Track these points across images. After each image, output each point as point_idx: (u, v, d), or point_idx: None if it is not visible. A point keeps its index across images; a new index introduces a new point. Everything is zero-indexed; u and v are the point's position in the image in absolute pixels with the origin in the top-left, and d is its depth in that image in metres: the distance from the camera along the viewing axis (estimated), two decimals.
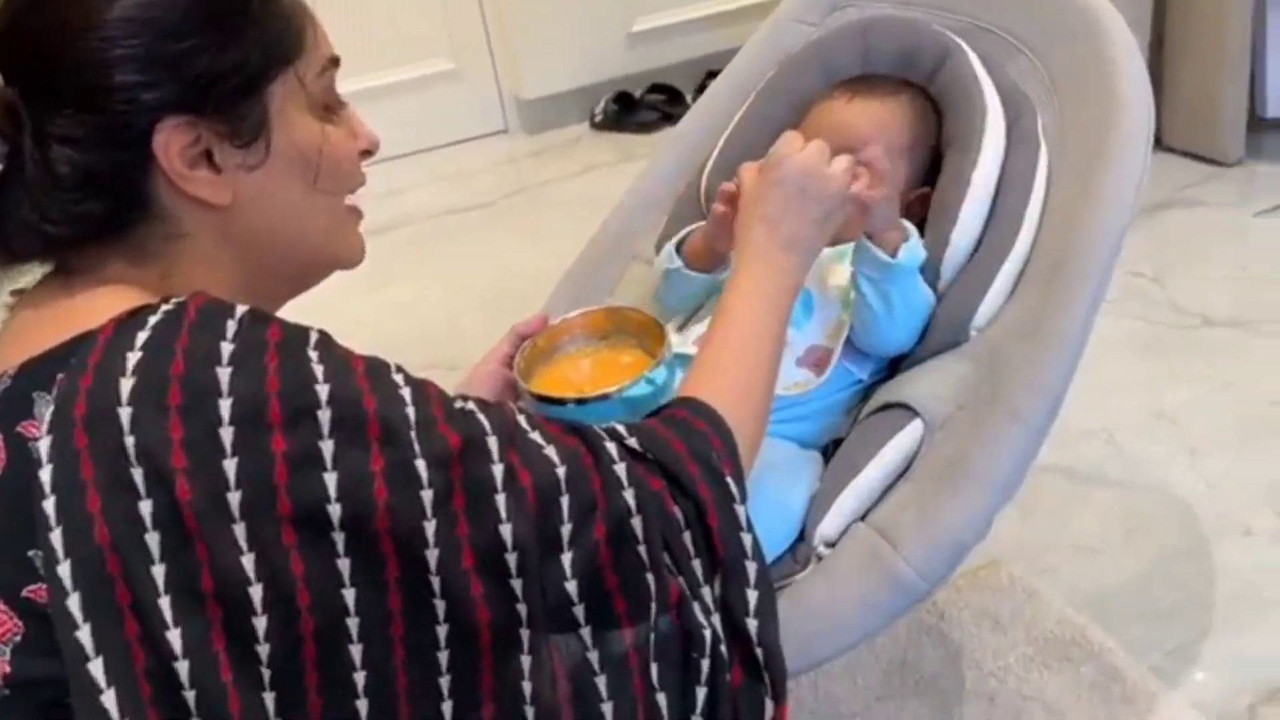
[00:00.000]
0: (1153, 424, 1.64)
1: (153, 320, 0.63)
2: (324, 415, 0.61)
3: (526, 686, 0.64)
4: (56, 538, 0.58)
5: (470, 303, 2.27)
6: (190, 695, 0.58)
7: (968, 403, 0.96)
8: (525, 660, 0.64)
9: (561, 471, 0.66)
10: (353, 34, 2.82)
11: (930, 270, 1.03)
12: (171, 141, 0.68)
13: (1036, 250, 1.02)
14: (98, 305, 0.66)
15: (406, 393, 0.65)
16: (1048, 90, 1.12)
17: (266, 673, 0.59)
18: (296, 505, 0.59)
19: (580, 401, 0.86)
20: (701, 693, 0.68)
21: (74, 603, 0.58)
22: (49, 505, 0.58)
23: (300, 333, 0.65)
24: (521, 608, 0.63)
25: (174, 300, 0.64)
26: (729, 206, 0.97)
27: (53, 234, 0.67)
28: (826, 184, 0.90)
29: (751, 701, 0.70)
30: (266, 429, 0.60)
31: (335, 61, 0.77)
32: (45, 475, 0.58)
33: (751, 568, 0.71)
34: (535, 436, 0.68)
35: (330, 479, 0.60)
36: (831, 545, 0.94)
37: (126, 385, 0.59)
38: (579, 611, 0.65)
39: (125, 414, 0.59)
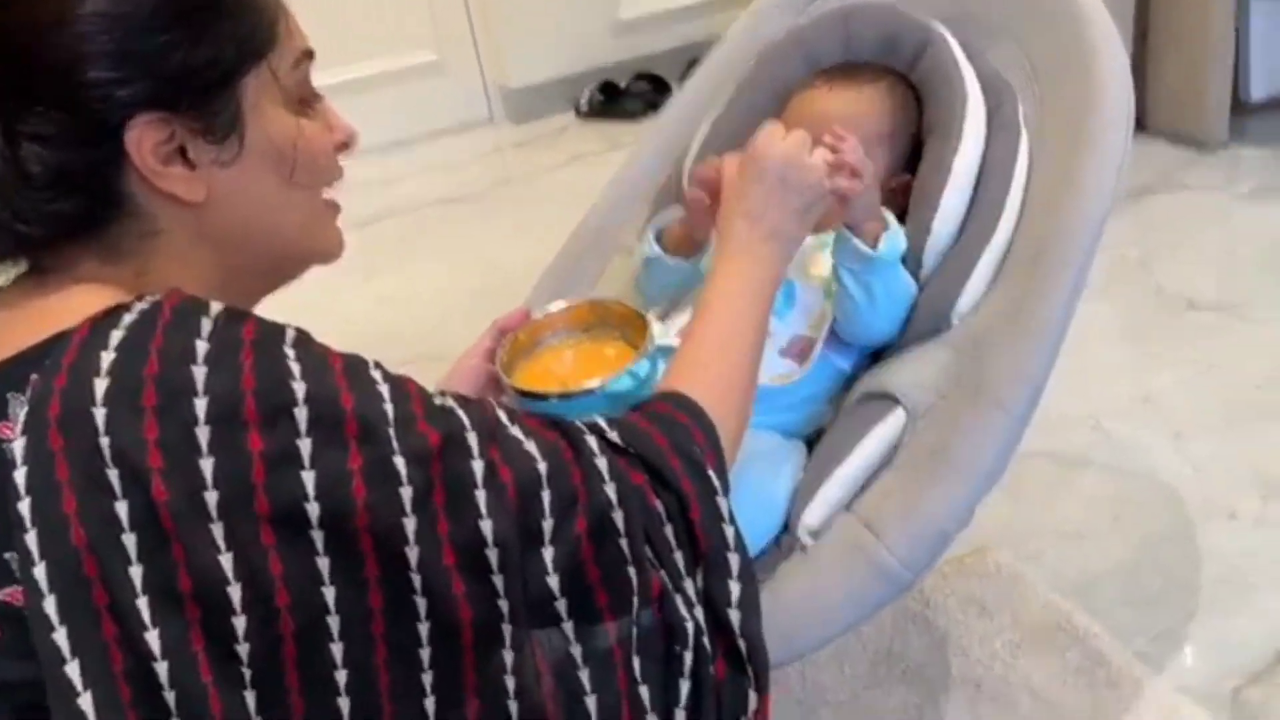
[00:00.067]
0: (1138, 408, 1.64)
1: (127, 319, 0.62)
2: (301, 413, 0.60)
3: (510, 682, 0.64)
4: (32, 539, 0.57)
5: (457, 294, 2.26)
6: (170, 696, 0.58)
7: (950, 391, 0.96)
8: (508, 656, 0.64)
9: (542, 467, 0.66)
10: (335, 25, 2.82)
11: (912, 258, 1.04)
12: (144, 138, 0.67)
13: (1018, 237, 1.02)
14: (72, 304, 0.65)
15: (385, 390, 0.64)
16: (1028, 77, 1.12)
17: (247, 672, 0.59)
18: (274, 504, 0.59)
19: (563, 396, 0.86)
20: (685, 685, 0.68)
21: (50, 605, 0.57)
22: (24, 507, 0.58)
23: (276, 330, 0.64)
24: (503, 604, 0.63)
25: (149, 299, 0.64)
26: (703, 192, 0.97)
27: (25, 233, 0.67)
28: (807, 175, 0.89)
29: (735, 693, 0.70)
30: (243, 428, 0.59)
31: (309, 54, 0.76)
32: (20, 477, 0.58)
33: (734, 560, 0.71)
34: (515, 432, 0.68)
35: (308, 477, 0.60)
36: (815, 535, 0.94)
37: (101, 386, 0.59)
38: (561, 606, 0.65)
39: (100, 415, 0.58)
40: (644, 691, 0.66)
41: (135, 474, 0.58)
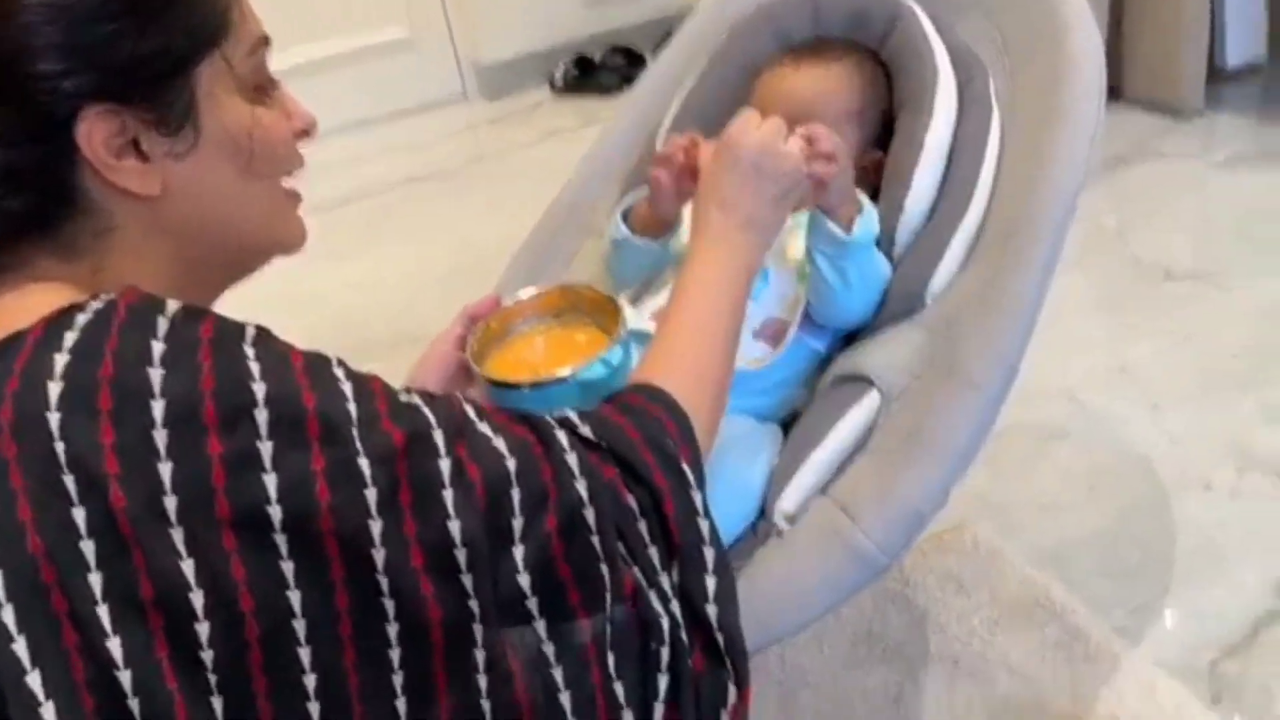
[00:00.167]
0: (1115, 380, 1.64)
1: (81, 320, 0.61)
2: (261, 415, 0.59)
3: (482, 681, 0.63)
4: None
5: (430, 275, 2.24)
6: (134, 704, 0.57)
7: (924, 372, 0.95)
8: (479, 655, 0.63)
9: (511, 464, 0.65)
10: (305, 2, 2.78)
11: (884, 237, 1.03)
12: (95, 131, 0.65)
13: (990, 215, 1.02)
14: (28, 304, 0.63)
15: (348, 388, 0.63)
16: (999, 50, 1.11)
17: (213, 678, 0.58)
18: (236, 508, 0.58)
19: (535, 385, 0.85)
20: (663, 680, 0.67)
21: (8, 615, 0.56)
22: None
23: (235, 329, 0.63)
24: (473, 603, 0.62)
25: (104, 298, 0.62)
26: (665, 171, 0.96)
27: None
28: (782, 162, 0.89)
29: (714, 686, 0.69)
30: (202, 431, 0.58)
31: (265, 40, 0.74)
32: None
33: (709, 554, 0.70)
34: (484, 428, 0.67)
35: (270, 480, 0.58)
36: (792, 520, 0.93)
37: (55, 390, 0.57)
38: (532, 605, 0.64)
39: (54, 420, 0.57)
40: (619, 688, 0.66)
41: (92, 480, 0.56)
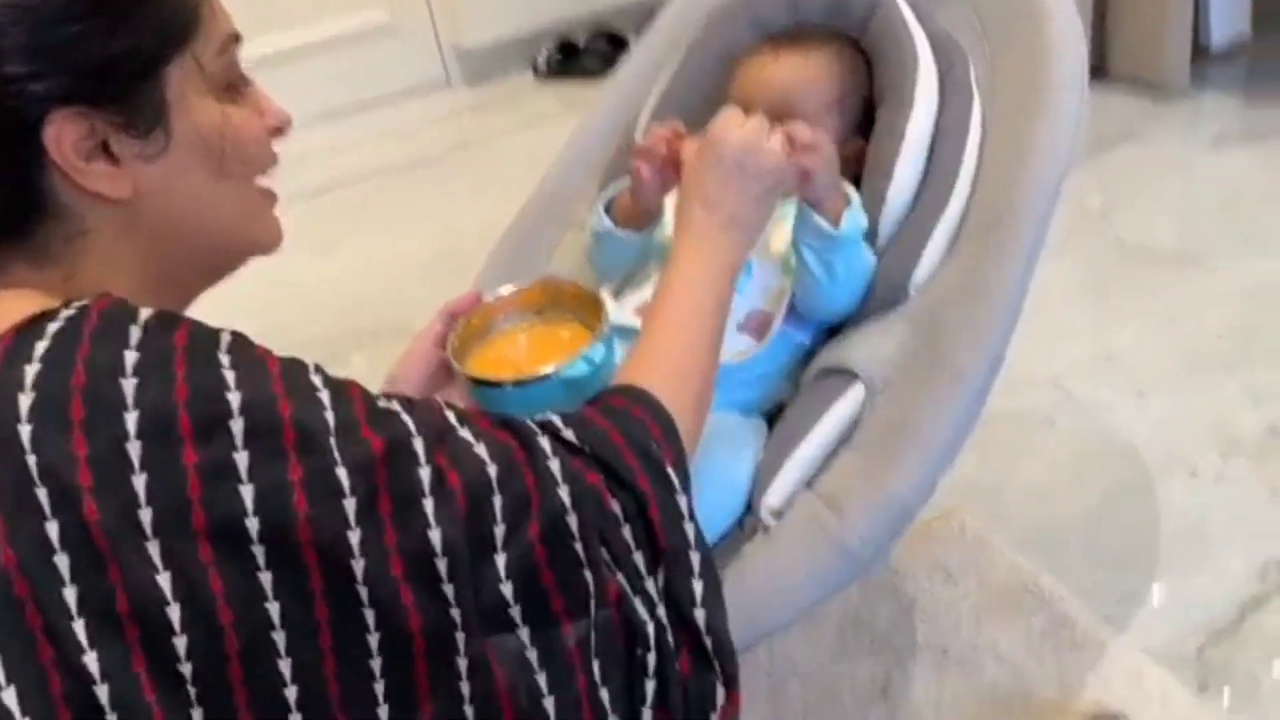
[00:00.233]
0: (1100, 366, 1.64)
1: (52, 329, 0.60)
2: (237, 424, 0.58)
3: (465, 688, 0.63)
4: None
5: (415, 263, 2.23)
6: (113, 718, 0.56)
7: (908, 364, 0.95)
8: (462, 662, 0.62)
9: (493, 470, 0.64)
10: None
11: (868, 230, 1.02)
12: (64, 134, 0.64)
13: (972, 205, 1.01)
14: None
15: (325, 396, 0.62)
16: (978, 36, 1.10)
17: (193, 691, 0.57)
18: (212, 520, 0.57)
19: (518, 383, 0.84)
20: (650, 685, 0.67)
21: None
22: None
23: (210, 336, 0.62)
24: (455, 612, 0.62)
25: (76, 305, 0.61)
26: (645, 163, 0.96)
27: None
28: (765, 160, 0.88)
29: (702, 689, 0.69)
30: (176, 441, 0.57)
31: (236, 38, 0.73)
32: None
33: (695, 558, 0.70)
34: (465, 434, 0.66)
35: (246, 491, 0.57)
36: (778, 515, 0.93)
37: (25, 401, 0.56)
38: (515, 613, 0.63)
39: (25, 432, 0.56)
40: (604, 694, 0.65)
41: (65, 492, 0.55)
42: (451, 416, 0.67)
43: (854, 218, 0.98)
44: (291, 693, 0.59)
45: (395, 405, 0.65)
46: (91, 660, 0.56)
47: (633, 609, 0.67)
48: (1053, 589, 1.22)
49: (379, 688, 0.61)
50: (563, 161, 1.30)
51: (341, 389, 0.64)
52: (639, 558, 0.68)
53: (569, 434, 0.69)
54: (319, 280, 2.21)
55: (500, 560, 0.63)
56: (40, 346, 0.58)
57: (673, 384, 0.77)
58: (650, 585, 0.68)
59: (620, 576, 0.67)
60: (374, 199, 2.60)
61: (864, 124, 1.11)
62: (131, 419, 0.57)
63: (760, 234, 0.90)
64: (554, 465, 0.66)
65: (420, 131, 2.94)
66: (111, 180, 0.66)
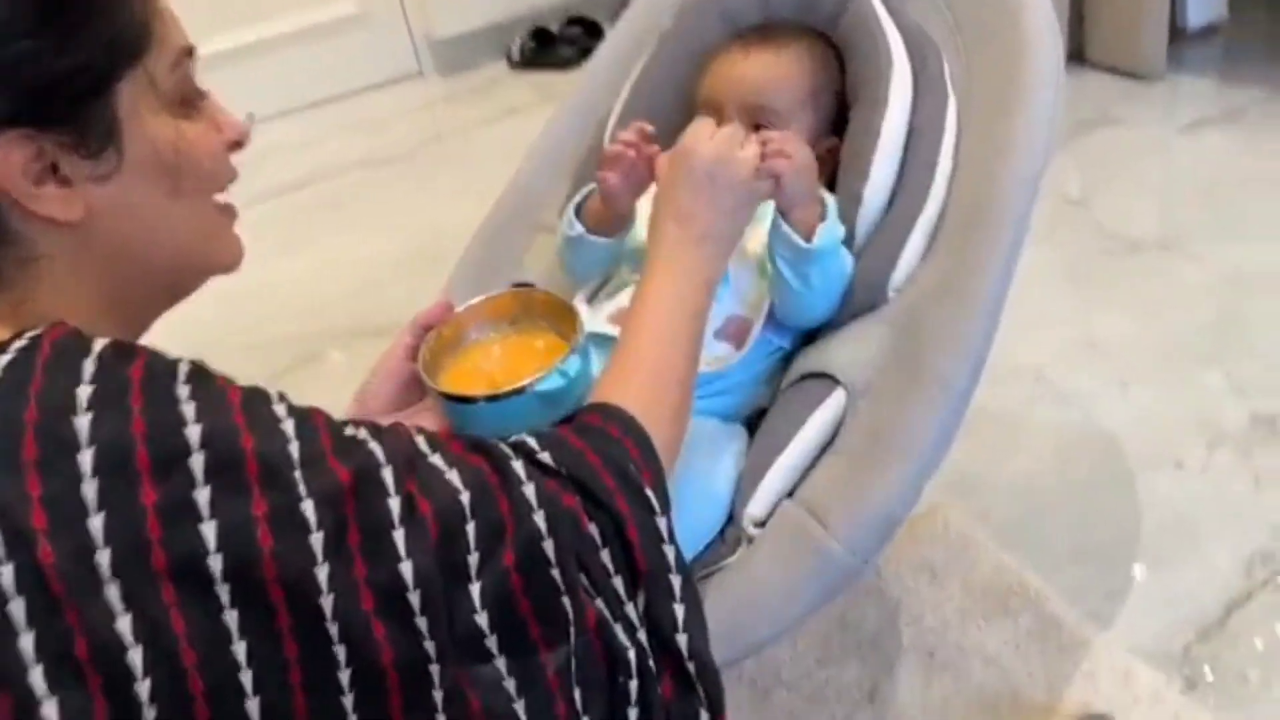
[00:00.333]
0: (1083, 356, 1.63)
1: (3, 361, 0.57)
2: (197, 460, 0.56)
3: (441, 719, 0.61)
4: None
5: (392, 260, 2.20)
6: None
7: (889, 368, 0.93)
8: (438, 695, 0.61)
9: (465, 497, 0.62)
10: None
11: (845, 232, 1.00)
12: (10, 158, 0.61)
13: (950, 204, 0.99)
14: None
15: (289, 426, 0.60)
16: (951, 30, 1.08)
17: None
18: (173, 559, 0.55)
19: (492, 398, 0.82)
20: (633, 712, 0.65)
21: None
22: None
23: (168, 367, 0.59)
24: (429, 644, 0.60)
25: (28, 335, 0.59)
26: (613, 171, 0.95)
27: None
28: (738, 170, 0.86)
29: (685, 714, 0.67)
30: (134, 479, 0.55)
31: (189, 52, 0.70)
32: None
33: (676, 581, 0.68)
34: (436, 460, 0.64)
35: (208, 529, 0.55)
36: (761, 525, 0.91)
37: None
38: (492, 643, 0.62)
39: None
40: None
41: (18, 535, 0.53)
42: (422, 442, 0.65)
43: (830, 230, 0.96)
44: None
45: (363, 433, 0.63)
46: (51, 708, 0.53)
47: (613, 635, 0.65)
48: (1039, 588, 1.21)
49: None
50: (531, 162, 1.28)
51: (306, 418, 0.62)
52: (618, 582, 0.66)
53: (544, 455, 0.67)
54: (293, 279, 2.18)
55: (475, 590, 0.61)
56: None
57: (649, 400, 0.75)
58: (631, 610, 0.67)
59: (599, 602, 0.65)
60: (347, 194, 2.56)
61: (838, 121, 1.09)
62: (87, 457, 0.55)
63: (735, 246, 0.88)
64: (529, 490, 0.64)
65: (393, 124, 2.90)
66: (63, 203, 0.64)
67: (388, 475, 0.61)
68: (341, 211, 2.49)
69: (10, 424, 0.54)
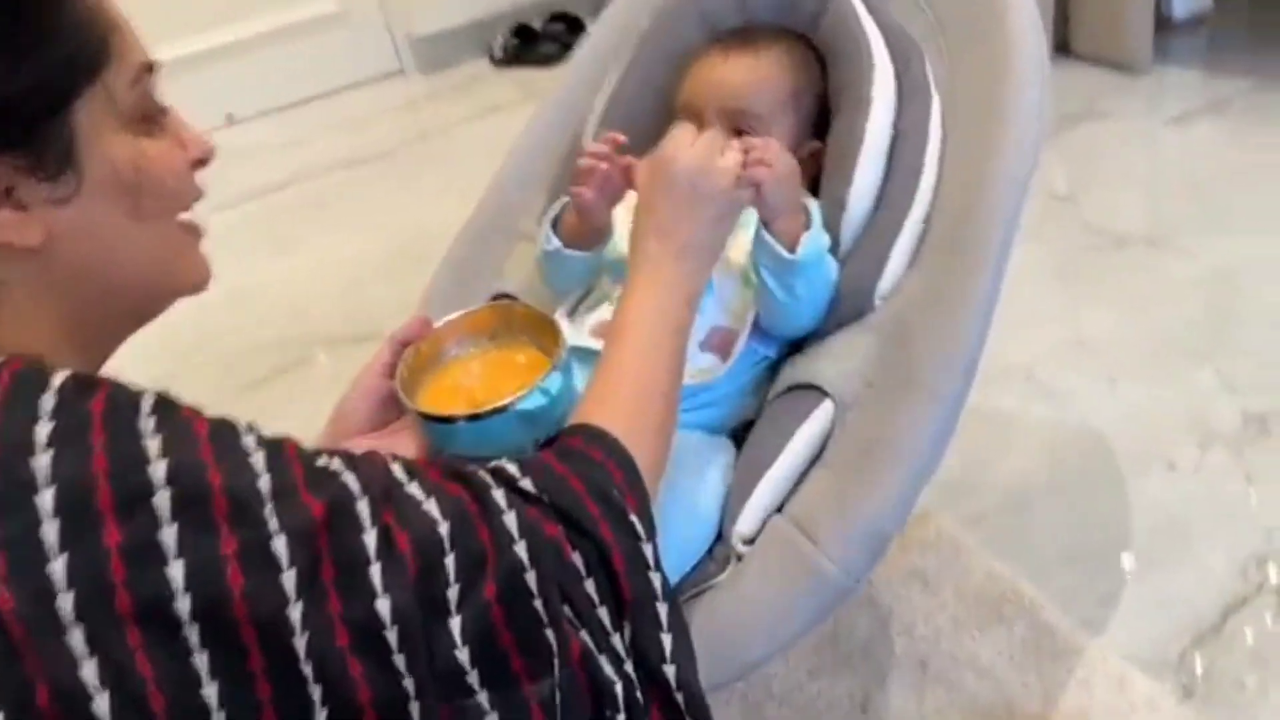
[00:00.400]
0: (1072, 355, 1.61)
1: None
2: (162, 497, 0.54)
3: None
4: None
5: (376, 263, 2.17)
6: None
7: (877, 378, 0.91)
8: None
9: (444, 529, 0.60)
10: None
11: (830, 238, 0.98)
12: None
13: (936, 210, 0.97)
14: None
15: (259, 459, 0.58)
16: (932, 29, 1.06)
17: None
18: (138, 602, 0.52)
19: (472, 418, 0.79)
20: None
21: None
22: None
23: (131, 400, 0.57)
24: (408, 682, 0.58)
25: None
26: (588, 186, 0.95)
27: None
28: (718, 179, 0.84)
29: None
30: (97, 519, 0.53)
31: (150, 67, 0.68)
32: None
33: (662, 610, 0.66)
34: (414, 489, 0.62)
35: (175, 569, 0.53)
36: (750, 543, 0.89)
37: None
38: (473, 678, 0.60)
39: None
40: None
41: None
42: (399, 471, 0.63)
43: (814, 239, 0.94)
44: None
45: (337, 464, 0.61)
46: None
47: (598, 667, 0.63)
48: (1032, 596, 1.19)
49: None
50: (509, 168, 1.25)
51: (276, 449, 0.59)
52: (603, 612, 0.64)
53: (525, 483, 0.65)
54: (277, 280, 2.15)
55: (455, 624, 0.59)
56: None
57: (632, 419, 0.73)
58: (617, 641, 0.65)
59: (584, 633, 0.63)
60: (330, 194, 2.53)
61: (821, 125, 1.07)
62: (47, 497, 0.52)
63: (718, 257, 0.86)
64: (510, 519, 0.62)
65: (375, 123, 2.87)
66: (19, 228, 0.61)
67: (363, 507, 0.59)
68: (324, 211, 2.46)
69: None
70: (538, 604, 0.61)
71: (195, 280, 0.73)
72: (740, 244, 0.98)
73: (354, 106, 2.95)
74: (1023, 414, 1.51)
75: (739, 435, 0.99)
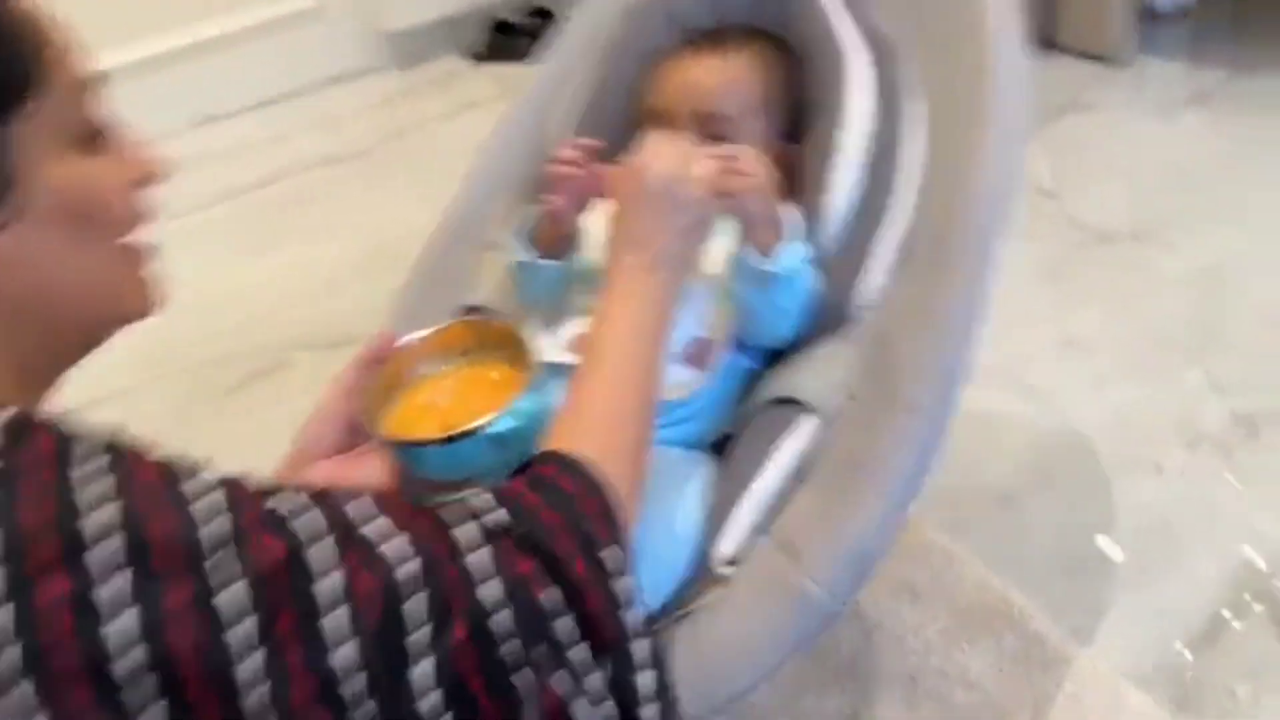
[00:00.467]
0: (1059, 356, 1.59)
1: None
2: (109, 545, 0.51)
3: None
4: None
5: (351, 266, 2.13)
6: None
7: (859, 391, 0.88)
8: None
9: (411, 568, 0.57)
10: None
11: (808, 247, 0.95)
12: None
13: (918, 217, 0.94)
14: None
15: (207, 502, 0.54)
16: (911, 31, 1.02)
17: None
18: (84, 658, 0.49)
19: (445, 441, 0.76)
20: None
21: None
22: None
23: (73, 445, 0.54)
24: None
25: None
26: (560, 194, 0.94)
27: None
28: (692, 189, 0.81)
29: None
30: (39, 570, 0.49)
31: (92, 83, 0.64)
32: None
33: (639, 648, 0.63)
34: (379, 526, 0.59)
35: (122, 623, 0.50)
36: (732, 564, 0.86)
37: None
38: None
39: None
40: None
41: None
42: (365, 506, 0.60)
43: (792, 250, 0.91)
44: None
45: (299, 501, 0.58)
46: None
47: (574, 710, 0.60)
48: (1022, 606, 1.17)
49: None
50: (475, 176, 1.22)
51: (232, 489, 0.56)
52: (578, 653, 0.61)
53: (495, 517, 0.62)
54: (252, 282, 2.11)
55: (422, 669, 0.56)
56: None
57: (606, 439, 0.71)
58: (594, 680, 0.62)
59: (559, 675, 0.60)
60: (306, 194, 2.49)
61: (798, 128, 1.04)
62: None
63: (691, 267, 0.83)
64: (479, 558, 0.59)
65: (352, 121, 2.82)
66: None
67: (325, 548, 0.56)
68: (300, 211, 2.41)
69: None
70: (508, 646, 0.58)
71: (140, 308, 0.70)
72: (716, 253, 0.95)
73: (330, 103, 2.90)
74: (1010, 416, 1.49)
75: (717, 446, 0.96)
